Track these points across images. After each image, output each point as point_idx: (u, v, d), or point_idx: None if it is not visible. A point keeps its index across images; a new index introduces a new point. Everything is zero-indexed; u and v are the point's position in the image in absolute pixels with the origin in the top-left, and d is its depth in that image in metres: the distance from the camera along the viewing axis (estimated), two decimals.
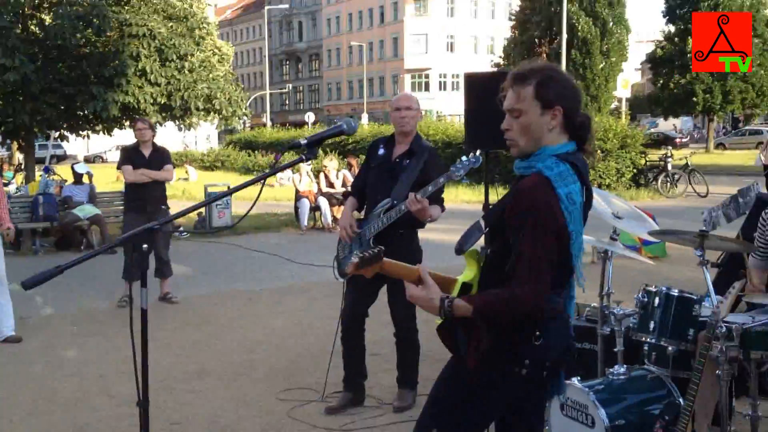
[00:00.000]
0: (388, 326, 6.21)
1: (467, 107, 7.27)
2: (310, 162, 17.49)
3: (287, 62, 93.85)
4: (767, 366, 4.49)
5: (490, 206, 5.28)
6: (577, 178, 2.79)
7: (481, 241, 3.10)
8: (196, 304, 9.01)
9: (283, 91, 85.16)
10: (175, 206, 9.40)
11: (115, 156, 57.92)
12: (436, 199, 5.19)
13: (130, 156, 9.07)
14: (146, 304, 2.70)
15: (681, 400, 4.14)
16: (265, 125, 54.22)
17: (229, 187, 16.20)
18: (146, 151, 9.03)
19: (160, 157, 9.12)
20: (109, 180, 28.48)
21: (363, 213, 5.52)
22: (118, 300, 9.03)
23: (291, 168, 15.14)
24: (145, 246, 2.60)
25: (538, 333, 2.76)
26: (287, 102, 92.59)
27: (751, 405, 4.21)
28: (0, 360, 6.97)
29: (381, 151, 5.54)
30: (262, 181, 2.97)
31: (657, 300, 4.47)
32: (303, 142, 2.99)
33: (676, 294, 4.44)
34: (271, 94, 71.43)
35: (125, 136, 42.35)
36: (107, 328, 8.05)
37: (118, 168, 9.90)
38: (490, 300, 2.71)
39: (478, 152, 4.93)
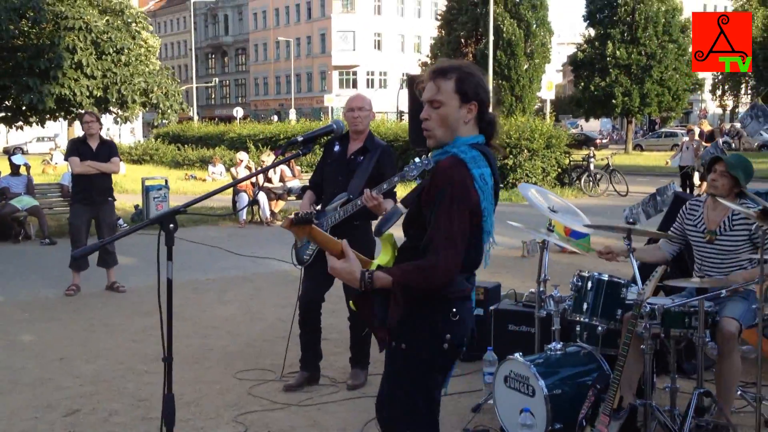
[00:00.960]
0: (334, 314, 6.69)
1: (410, 107, 7.78)
2: (247, 157, 17.78)
3: (213, 56, 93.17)
4: (684, 343, 5.08)
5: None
6: (487, 164, 3.04)
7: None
8: (143, 293, 9.22)
9: (209, 85, 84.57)
10: None
11: (36, 148, 56.98)
12: (389, 192, 5.61)
13: (78, 148, 9.27)
14: (171, 275, 3.08)
15: (611, 372, 4.68)
16: (191, 119, 53.73)
17: (166, 181, 16.29)
18: (93, 144, 9.24)
19: (108, 150, 9.34)
20: (34, 172, 28.06)
21: (320, 206, 5.91)
22: (66, 288, 9.25)
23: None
24: (171, 225, 2.97)
25: (454, 310, 3.04)
26: (213, 96, 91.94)
27: (671, 378, 4.78)
28: None
29: (337, 148, 5.92)
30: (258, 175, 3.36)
31: (590, 284, 5.03)
32: (299, 139, 3.40)
33: (606, 279, 5.01)
34: (197, 88, 70.87)
35: (50, 128, 41.72)
36: (60, 314, 8.30)
37: (66, 159, 10.07)
38: (408, 269, 2.90)
39: (430, 154, 5.33)
